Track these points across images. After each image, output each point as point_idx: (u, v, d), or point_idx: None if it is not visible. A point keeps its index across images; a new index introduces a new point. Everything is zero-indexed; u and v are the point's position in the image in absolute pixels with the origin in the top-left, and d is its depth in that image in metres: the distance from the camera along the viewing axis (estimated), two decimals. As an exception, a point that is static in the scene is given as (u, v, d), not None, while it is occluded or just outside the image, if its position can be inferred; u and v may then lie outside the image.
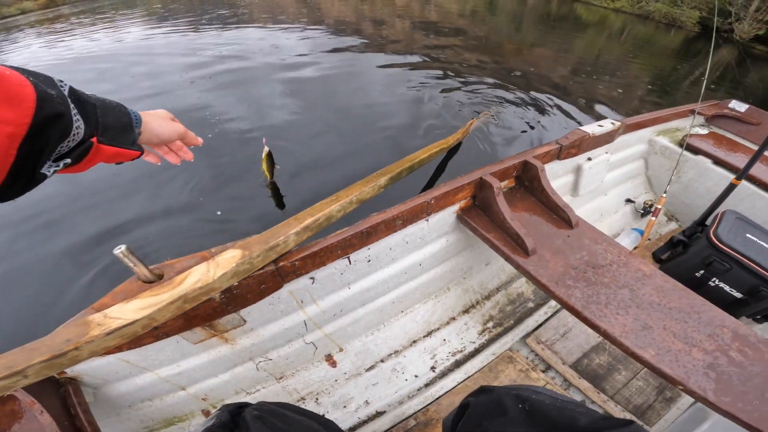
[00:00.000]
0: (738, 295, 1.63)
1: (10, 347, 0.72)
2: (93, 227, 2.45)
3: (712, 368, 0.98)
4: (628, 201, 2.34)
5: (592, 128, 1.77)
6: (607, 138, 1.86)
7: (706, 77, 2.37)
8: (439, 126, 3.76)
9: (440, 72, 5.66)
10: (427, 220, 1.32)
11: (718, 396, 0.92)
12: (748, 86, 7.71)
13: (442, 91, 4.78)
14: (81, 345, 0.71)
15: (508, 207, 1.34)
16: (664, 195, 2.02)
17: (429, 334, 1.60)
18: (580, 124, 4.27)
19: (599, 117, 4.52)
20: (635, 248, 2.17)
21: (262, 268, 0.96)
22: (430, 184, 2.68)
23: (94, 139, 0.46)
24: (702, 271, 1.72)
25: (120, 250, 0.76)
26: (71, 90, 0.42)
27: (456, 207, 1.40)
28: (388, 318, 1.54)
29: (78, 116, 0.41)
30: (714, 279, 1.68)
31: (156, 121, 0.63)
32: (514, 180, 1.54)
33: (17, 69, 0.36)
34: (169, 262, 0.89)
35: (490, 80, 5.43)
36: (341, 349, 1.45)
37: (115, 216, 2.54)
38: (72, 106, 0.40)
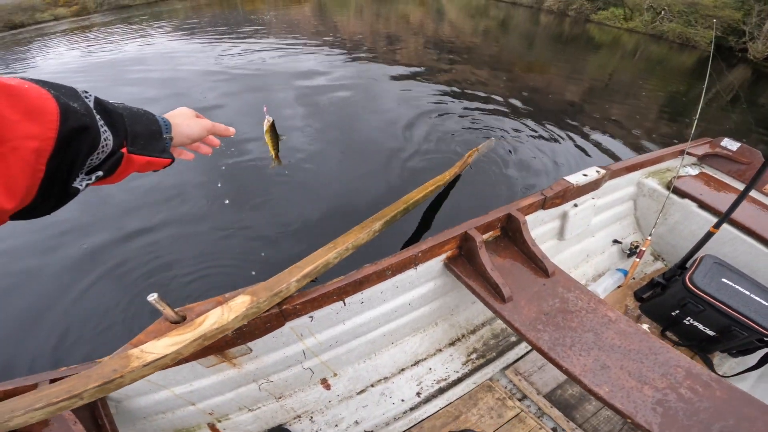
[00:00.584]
0: (711, 333, 1.76)
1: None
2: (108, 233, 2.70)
3: (661, 404, 1.11)
4: (616, 242, 2.41)
5: (576, 178, 1.88)
6: (593, 186, 1.97)
7: (697, 117, 2.33)
8: (443, 147, 3.91)
9: (450, 92, 5.81)
10: (416, 269, 1.49)
11: (663, 429, 1.05)
12: (757, 109, 7.66)
13: (450, 112, 4.92)
14: (125, 374, 0.90)
15: (490, 258, 1.50)
16: (650, 238, 2.12)
17: (416, 363, 1.76)
18: (592, 145, 4.34)
19: (610, 141, 4.55)
20: (619, 287, 2.27)
21: (267, 311, 1.14)
22: (424, 222, 2.77)
23: (125, 150, 0.46)
24: (677, 311, 1.85)
25: (153, 297, 0.96)
26: (97, 101, 0.42)
27: (443, 257, 1.56)
28: (379, 348, 1.70)
29: (105, 127, 0.41)
30: (688, 318, 1.81)
31: (184, 122, 0.63)
32: (500, 230, 1.69)
33: (37, 82, 0.35)
34: (190, 305, 1.09)
35: (500, 102, 5.54)
36: (335, 374, 1.62)
37: (126, 224, 2.79)
38: (98, 117, 0.40)
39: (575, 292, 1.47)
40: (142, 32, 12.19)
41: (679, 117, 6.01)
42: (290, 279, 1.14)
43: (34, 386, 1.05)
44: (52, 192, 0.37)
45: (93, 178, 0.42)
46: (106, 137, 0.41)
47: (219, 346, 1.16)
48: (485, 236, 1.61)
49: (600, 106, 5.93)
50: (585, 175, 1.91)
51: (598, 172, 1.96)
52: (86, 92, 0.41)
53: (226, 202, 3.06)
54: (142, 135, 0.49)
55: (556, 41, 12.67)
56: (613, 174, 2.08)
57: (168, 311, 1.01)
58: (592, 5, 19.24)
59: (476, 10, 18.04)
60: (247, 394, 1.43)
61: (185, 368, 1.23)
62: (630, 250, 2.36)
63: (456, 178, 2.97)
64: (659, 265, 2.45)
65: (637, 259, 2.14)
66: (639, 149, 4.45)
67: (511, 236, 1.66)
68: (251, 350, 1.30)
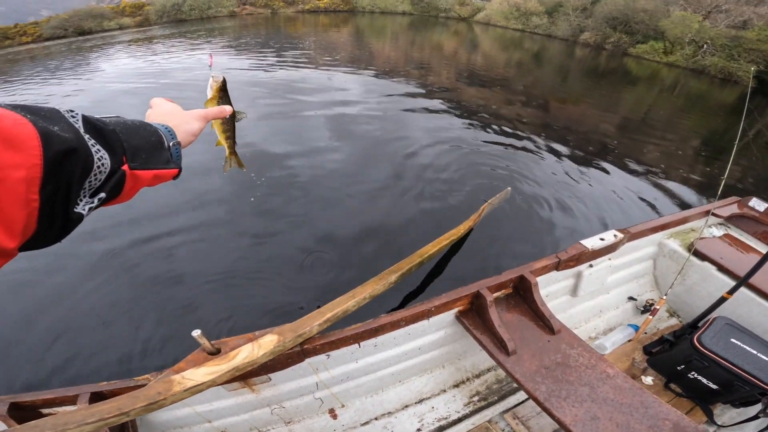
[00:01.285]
0: (713, 386, 1.82)
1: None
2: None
3: None
4: (631, 299, 2.41)
5: (593, 242, 1.92)
6: (609, 249, 1.99)
7: (725, 177, 2.27)
8: (464, 183, 4.01)
9: (479, 124, 5.89)
10: (428, 320, 1.61)
11: None
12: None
13: (477, 145, 5.00)
14: (167, 397, 1.06)
15: (499, 314, 1.60)
16: (665, 297, 2.13)
17: (420, 401, 1.85)
18: (621, 191, 4.22)
19: (642, 187, 4.42)
20: (629, 341, 2.28)
21: (291, 349, 1.29)
22: (437, 272, 2.78)
23: (125, 167, 0.43)
24: (682, 366, 1.91)
25: (197, 333, 1.14)
26: (85, 120, 0.40)
27: (455, 310, 1.68)
28: (387, 385, 1.81)
29: (98, 146, 0.39)
30: (693, 372, 1.88)
31: (182, 121, 0.61)
32: (512, 288, 1.78)
33: (11, 107, 0.33)
34: (225, 339, 1.25)
35: (529, 137, 5.53)
36: (343, 405, 1.74)
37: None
38: (87, 137, 0.38)
39: (578, 348, 1.56)
40: (195, 46, 13.15)
41: (719, 156, 5.80)
42: (313, 323, 1.30)
43: (75, 397, 1.21)
44: (53, 220, 0.36)
45: (96, 201, 0.40)
46: (101, 156, 0.39)
47: (244, 375, 1.32)
48: (497, 294, 1.71)
49: (634, 145, 5.78)
50: (602, 239, 1.95)
51: (615, 236, 1.99)
52: (72, 111, 0.39)
53: (258, 218, 3.30)
54: (142, 149, 0.47)
55: (591, 75, 12.58)
56: (633, 237, 2.11)
57: (206, 344, 1.17)
58: (630, 39, 18.98)
59: (510, 41, 18.16)
60: (260, 417, 1.57)
61: (210, 390, 1.38)
62: (644, 307, 2.35)
63: (469, 231, 2.91)
64: (674, 321, 2.43)
65: (650, 316, 2.15)
66: (671, 197, 4.32)
67: (522, 295, 1.75)
68: (270, 379, 1.45)
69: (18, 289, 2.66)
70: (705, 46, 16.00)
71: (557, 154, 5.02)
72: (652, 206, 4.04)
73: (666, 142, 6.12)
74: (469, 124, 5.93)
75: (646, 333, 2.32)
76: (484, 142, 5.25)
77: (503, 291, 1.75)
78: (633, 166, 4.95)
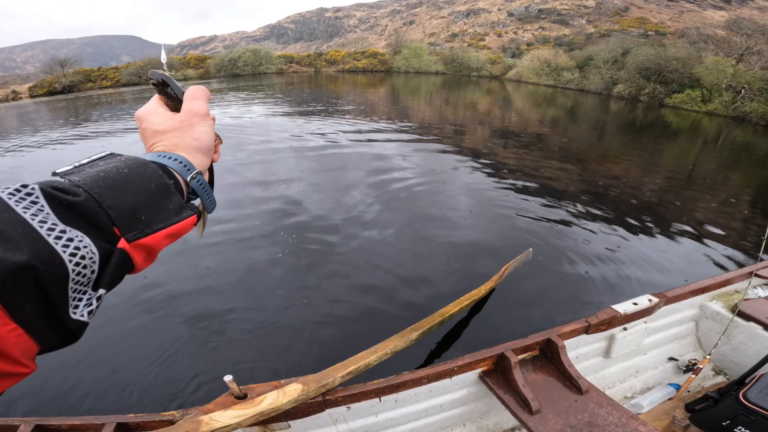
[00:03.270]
0: None
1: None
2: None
3: None
4: (672, 359, 2.28)
5: (625, 307, 1.87)
6: (644, 313, 1.94)
7: (765, 237, 2.20)
8: (497, 244, 4.00)
9: (516, 185, 5.85)
10: (451, 379, 1.61)
11: None
12: None
13: (513, 207, 4.97)
14: (194, 436, 1.13)
15: (523, 375, 1.58)
16: (709, 357, 2.02)
17: None
18: (669, 255, 3.93)
19: (681, 248, 4.11)
20: (669, 399, 2.12)
21: (313, 398, 1.34)
22: (457, 332, 2.75)
23: (123, 243, 0.33)
24: (728, 421, 1.83)
25: (228, 378, 1.22)
26: (47, 195, 0.29)
27: (478, 370, 1.67)
28: None
29: (71, 233, 0.28)
30: (740, 427, 1.80)
31: (182, 132, 0.44)
32: (538, 350, 1.75)
33: None
34: (252, 386, 1.33)
35: (568, 198, 5.38)
36: None
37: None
38: (48, 228, 0.27)
39: (607, 408, 1.50)
40: (246, 100, 14.64)
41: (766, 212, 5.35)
42: (336, 375, 1.35)
43: (101, 426, 1.27)
44: (54, 332, 0.29)
45: (94, 300, 0.31)
46: (76, 248, 0.28)
47: (267, 420, 1.36)
48: (522, 356, 1.69)
49: (676, 204, 5.46)
50: (635, 304, 1.90)
51: (650, 300, 1.94)
52: (23, 191, 0.28)
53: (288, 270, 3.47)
54: (141, 207, 0.34)
55: (629, 129, 12.38)
56: (670, 300, 2.05)
57: (235, 388, 1.25)
58: (666, 88, 18.69)
59: (543, 98, 18.57)
60: None
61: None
62: (687, 366, 2.22)
63: (491, 291, 2.85)
64: (720, 379, 2.29)
65: (693, 375, 2.03)
66: (713, 257, 4.00)
67: (549, 357, 1.72)
68: (290, 426, 1.48)
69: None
70: (743, 91, 15.50)
71: (594, 214, 4.90)
72: (692, 268, 3.78)
73: (710, 199, 5.80)
74: (504, 181, 5.97)
75: (689, 391, 2.21)
76: (517, 198, 5.27)
77: (529, 353, 1.73)
78: (673, 226, 4.70)
